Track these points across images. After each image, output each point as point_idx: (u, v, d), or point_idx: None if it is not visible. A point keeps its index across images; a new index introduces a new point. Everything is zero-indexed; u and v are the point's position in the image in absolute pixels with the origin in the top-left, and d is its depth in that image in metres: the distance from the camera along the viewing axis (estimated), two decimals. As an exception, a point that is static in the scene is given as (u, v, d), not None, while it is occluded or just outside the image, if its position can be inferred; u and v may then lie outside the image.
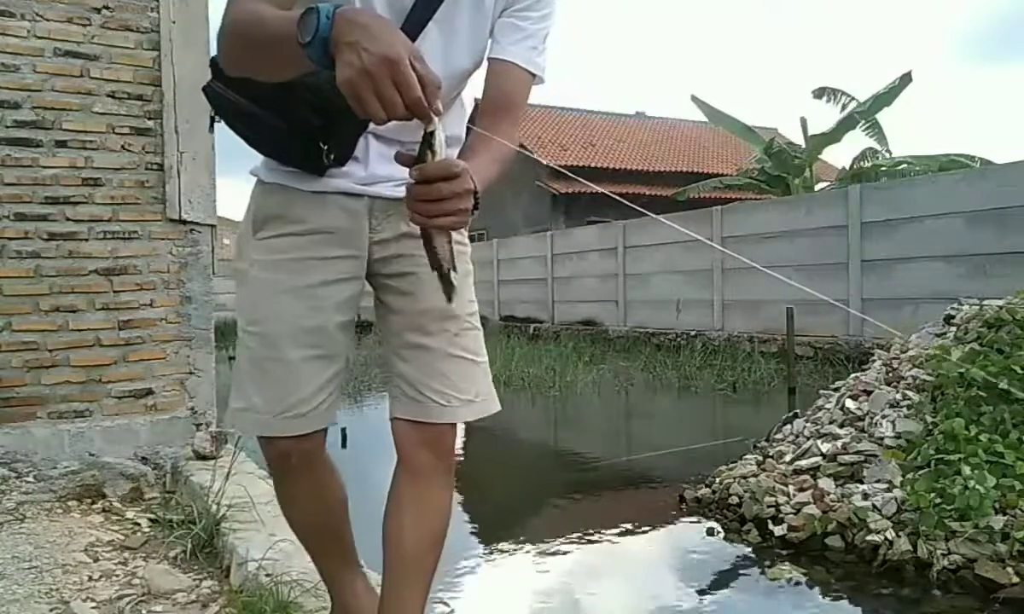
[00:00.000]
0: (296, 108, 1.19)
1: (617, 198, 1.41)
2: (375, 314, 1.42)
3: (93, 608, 1.90)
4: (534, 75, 1.30)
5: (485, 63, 1.32)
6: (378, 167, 1.31)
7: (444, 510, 1.37)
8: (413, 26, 1.23)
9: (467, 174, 0.98)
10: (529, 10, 1.29)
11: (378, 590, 1.57)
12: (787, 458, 3.61)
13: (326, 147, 1.24)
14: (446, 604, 2.59)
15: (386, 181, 1.32)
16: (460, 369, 1.34)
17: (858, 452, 3.35)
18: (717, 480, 3.68)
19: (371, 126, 1.25)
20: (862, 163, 14.13)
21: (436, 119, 0.92)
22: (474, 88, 1.40)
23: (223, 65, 1.16)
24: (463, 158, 1.16)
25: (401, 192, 1.23)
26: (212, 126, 1.31)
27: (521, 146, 1.29)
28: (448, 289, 1.07)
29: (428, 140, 0.93)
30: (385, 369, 1.42)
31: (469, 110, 1.42)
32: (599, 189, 1.46)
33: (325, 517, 1.46)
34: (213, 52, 1.20)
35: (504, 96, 1.29)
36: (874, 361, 4.29)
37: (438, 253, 1.02)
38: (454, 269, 1.05)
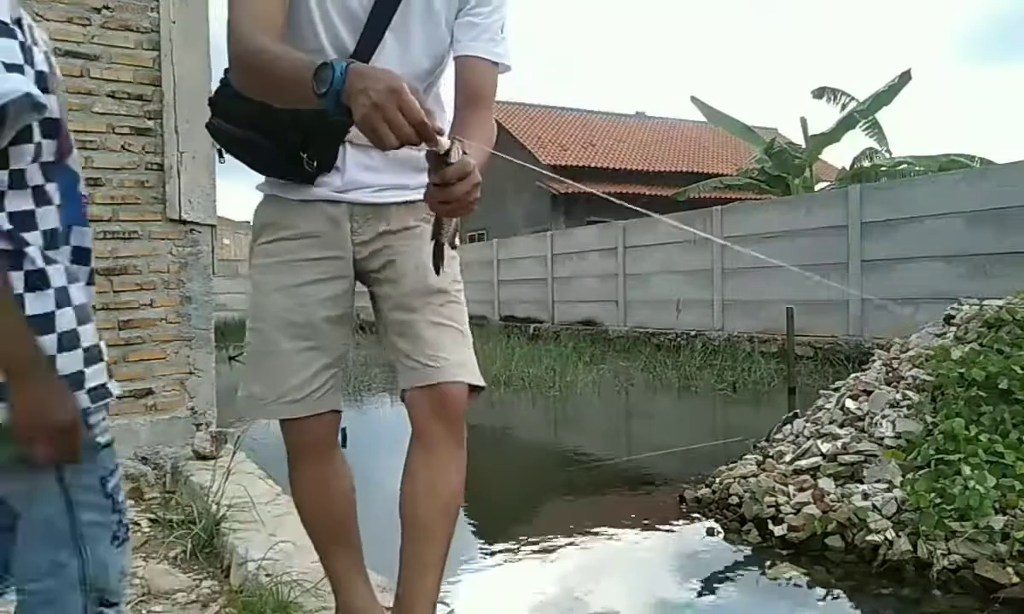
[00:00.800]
0: (276, 127, 1.33)
1: (613, 199, 1.43)
2: (373, 312, 1.51)
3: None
4: (497, 63, 1.41)
5: (452, 65, 1.43)
6: (356, 174, 1.43)
7: (453, 478, 1.43)
8: (370, 37, 1.34)
9: (475, 168, 1.09)
10: (480, 6, 1.39)
11: (377, 592, 1.60)
12: (787, 458, 3.61)
13: (305, 156, 1.38)
14: (446, 604, 2.59)
15: (364, 187, 1.44)
16: (446, 334, 1.43)
17: (858, 452, 3.35)
18: (717, 480, 3.68)
19: (349, 134, 1.38)
20: (862, 163, 14.12)
21: (445, 141, 1.05)
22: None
23: (240, 90, 1.27)
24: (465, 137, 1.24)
25: (379, 198, 1.44)
26: (222, 156, 1.45)
27: (522, 148, 1.36)
28: (438, 260, 1.22)
29: (445, 158, 1.05)
30: (387, 354, 1.50)
31: (449, 111, 1.50)
32: (585, 188, 1.50)
33: (334, 505, 1.54)
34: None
35: (474, 88, 1.39)
36: (874, 361, 4.29)
37: (444, 229, 1.18)
38: (452, 246, 1.21)
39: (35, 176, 1.01)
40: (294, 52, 1.16)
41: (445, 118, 1.53)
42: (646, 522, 3.56)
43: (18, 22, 0.98)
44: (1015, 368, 3.25)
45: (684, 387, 8.11)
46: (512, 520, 3.85)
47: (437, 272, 1.24)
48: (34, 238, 0.99)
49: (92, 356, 1.05)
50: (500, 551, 3.26)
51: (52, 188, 1.03)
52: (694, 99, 15.90)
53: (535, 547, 3.27)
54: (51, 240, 1.01)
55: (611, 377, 8.85)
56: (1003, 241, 7.66)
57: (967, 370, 3.39)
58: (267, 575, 2.01)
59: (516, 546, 3.30)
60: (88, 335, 1.05)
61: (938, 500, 2.83)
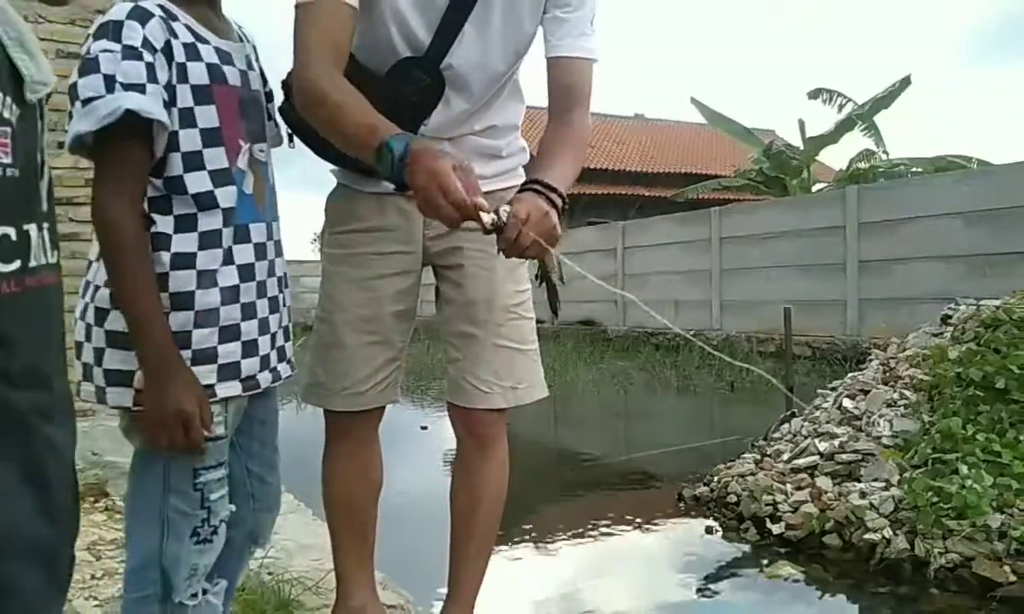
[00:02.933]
0: None
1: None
2: (436, 304, 1.54)
3: (96, 606, 1.91)
4: (588, 59, 1.38)
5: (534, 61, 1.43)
6: None
7: (485, 487, 1.53)
8: (449, 28, 1.32)
9: (535, 207, 1.12)
10: None
11: (380, 592, 1.61)
12: (785, 457, 3.62)
13: None
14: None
15: None
16: (503, 358, 1.47)
17: (855, 451, 3.36)
18: (715, 479, 3.69)
19: (420, 129, 1.39)
20: (859, 164, 14.15)
21: (487, 217, 1.09)
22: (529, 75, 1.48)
23: (301, 114, 1.28)
24: (543, 163, 1.29)
25: None
26: (292, 141, 1.42)
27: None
28: (554, 299, 1.25)
29: (492, 229, 1.10)
30: (444, 353, 1.55)
31: (524, 103, 1.53)
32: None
33: (361, 493, 1.57)
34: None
35: (568, 91, 1.37)
36: (871, 360, 4.31)
37: (549, 266, 1.19)
38: (561, 281, 1.22)
39: (201, 184, 1.07)
40: (359, 109, 1.16)
41: (521, 109, 1.54)
42: (645, 520, 3.58)
43: (167, 45, 1.04)
44: (1012, 368, 3.27)
45: (683, 387, 8.12)
46: (511, 519, 3.85)
47: (555, 313, 1.29)
48: (191, 239, 1.07)
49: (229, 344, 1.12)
50: (499, 550, 3.27)
51: (224, 192, 1.10)
52: (693, 100, 15.93)
53: (534, 545, 3.28)
54: (207, 240, 1.08)
55: (611, 377, 8.86)
56: (1000, 241, 7.68)
57: (964, 370, 3.40)
58: (268, 574, 2.02)
59: (515, 544, 3.31)
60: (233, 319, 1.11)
61: (935, 499, 2.84)
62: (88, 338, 1.08)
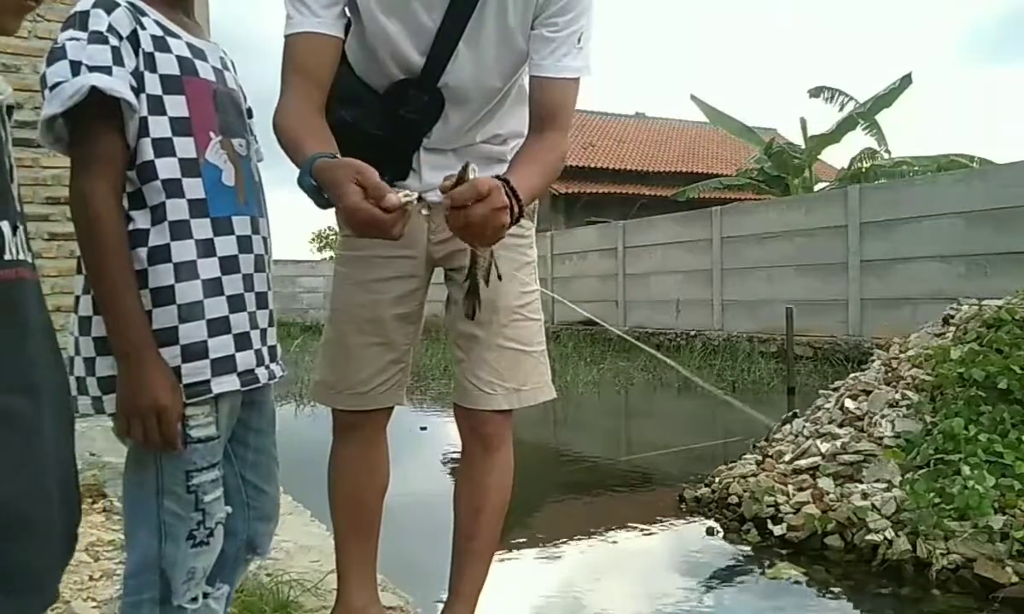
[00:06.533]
0: (351, 147, 1.31)
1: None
2: (446, 306, 1.55)
3: (94, 607, 1.90)
4: (570, 79, 1.36)
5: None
6: (430, 176, 1.44)
7: (488, 488, 1.54)
8: (441, 49, 1.33)
9: (498, 192, 1.08)
10: (556, 16, 1.33)
11: (380, 593, 1.61)
12: (786, 458, 3.61)
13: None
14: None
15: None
16: (507, 358, 1.47)
17: (857, 452, 3.35)
18: (717, 480, 3.68)
19: (423, 142, 1.42)
20: (861, 163, 14.13)
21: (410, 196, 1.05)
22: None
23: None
24: (510, 169, 1.28)
25: None
26: None
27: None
28: (472, 301, 1.21)
29: (462, 177, 1.05)
30: (450, 353, 1.57)
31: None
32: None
33: (367, 493, 1.58)
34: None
35: (545, 109, 1.37)
36: (873, 361, 4.29)
37: (479, 264, 1.14)
38: (486, 282, 1.18)
39: (170, 170, 1.07)
40: (304, 145, 1.21)
41: (526, 113, 1.52)
42: (646, 522, 3.57)
43: (133, 33, 1.05)
44: (1014, 368, 3.26)
45: (684, 387, 8.12)
46: (512, 520, 3.84)
47: (471, 316, 1.27)
48: (163, 230, 1.06)
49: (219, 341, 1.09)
50: (500, 551, 3.26)
51: (192, 183, 1.08)
52: (694, 99, 15.90)
53: (535, 547, 3.28)
54: (177, 230, 1.06)
55: (611, 377, 8.86)
56: (1002, 241, 7.67)
57: (966, 370, 3.39)
58: (267, 575, 2.02)
59: (516, 546, 3.30)
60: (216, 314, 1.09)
61: (937, 500, 2.83)
62: (77, 351, 1.06)
